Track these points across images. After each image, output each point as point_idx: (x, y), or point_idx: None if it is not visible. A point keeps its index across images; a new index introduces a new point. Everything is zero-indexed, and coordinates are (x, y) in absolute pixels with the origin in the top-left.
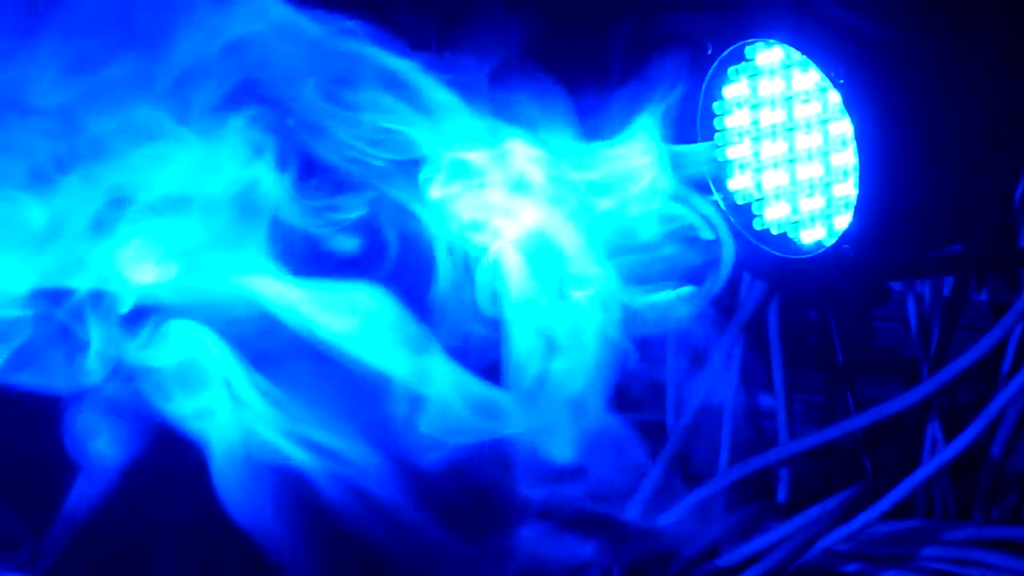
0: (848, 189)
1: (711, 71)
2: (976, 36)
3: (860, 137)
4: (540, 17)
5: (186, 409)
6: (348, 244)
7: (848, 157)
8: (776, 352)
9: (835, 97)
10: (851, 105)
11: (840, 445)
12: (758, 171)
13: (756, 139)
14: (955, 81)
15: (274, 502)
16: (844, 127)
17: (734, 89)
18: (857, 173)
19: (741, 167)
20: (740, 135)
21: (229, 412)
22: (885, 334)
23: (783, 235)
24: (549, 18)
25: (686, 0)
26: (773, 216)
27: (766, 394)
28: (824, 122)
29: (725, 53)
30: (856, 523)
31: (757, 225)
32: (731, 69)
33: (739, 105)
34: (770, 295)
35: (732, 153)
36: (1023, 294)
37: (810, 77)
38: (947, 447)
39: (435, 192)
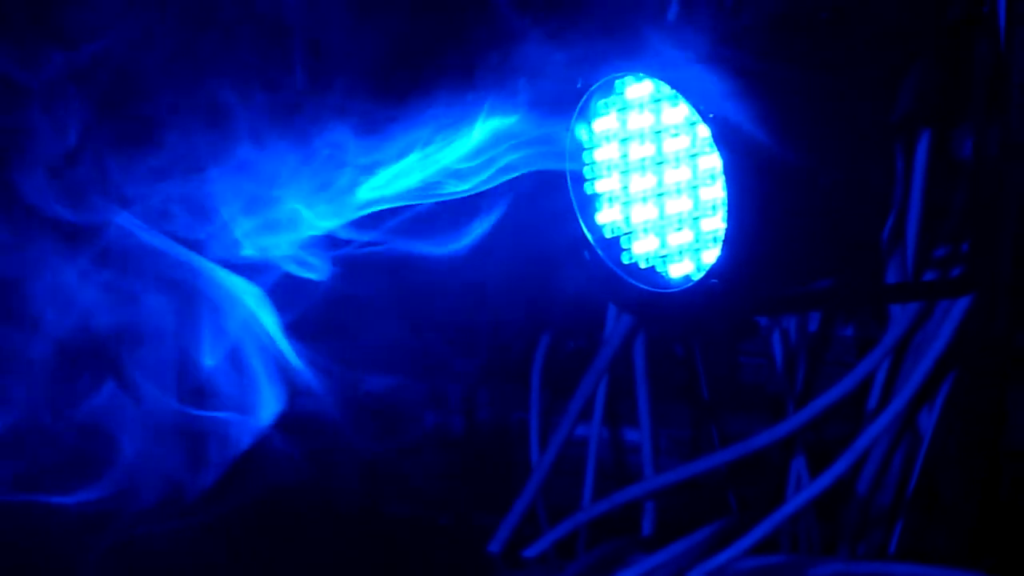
0: (716, 223)
1: (580, 104)
2: (846, 68)
3: (728, 171)
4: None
5: None
6: None
7: (716, 191)
8: (642, 386)
9: (704, 131)
10: (720, 139)
11: (705, 480)
12: (627, 205)
13: (625, 173)
14: (825, 115)
15: None
16: (713, 161)
17: (603, 123)
18: (725, 207)
19: (610, 200)
20: (609, 169)
21: None
22: (751, 369)
23: (651, 269)
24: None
25: (556, 32)
26: (641, 250)
27: (631, 428)
28: (693, 156)
29: (595, 86)
30: (721, 558)
31: (625, 259)
32: (600, 102)
33: (608, 139)
34: (637, 329)
35: (601, 187)
36: (889, 330)
37: (679, 111)
38: (812, 483)
39: None
